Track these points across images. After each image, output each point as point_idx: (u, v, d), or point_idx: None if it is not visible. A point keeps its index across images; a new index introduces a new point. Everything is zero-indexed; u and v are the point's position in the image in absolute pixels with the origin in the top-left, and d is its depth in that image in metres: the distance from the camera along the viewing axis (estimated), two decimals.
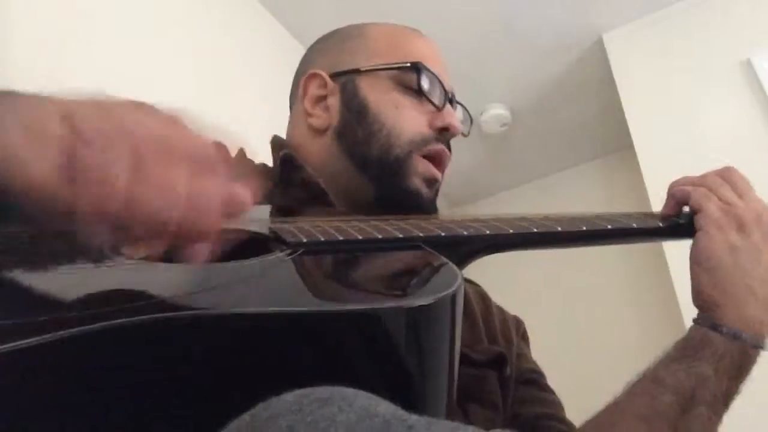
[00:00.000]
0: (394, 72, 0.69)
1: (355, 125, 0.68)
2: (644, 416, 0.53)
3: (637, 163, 1.88)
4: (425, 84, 0.68)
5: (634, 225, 0.58)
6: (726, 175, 0.62)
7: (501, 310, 0.75)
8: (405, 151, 0.66)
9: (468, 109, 0.77)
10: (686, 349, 0.56)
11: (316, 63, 0.75)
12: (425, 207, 0.67)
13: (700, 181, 0.62)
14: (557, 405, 0.70)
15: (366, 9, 1.74)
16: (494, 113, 2.41)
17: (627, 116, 1.98)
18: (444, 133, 0.69)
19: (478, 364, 0.62)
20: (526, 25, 2.06)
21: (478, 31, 2.08)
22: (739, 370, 0.55)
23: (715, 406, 0.53)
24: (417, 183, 0.66)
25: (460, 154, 2.72)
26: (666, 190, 0.66)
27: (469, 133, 0.76)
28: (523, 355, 0.72)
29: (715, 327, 0.55)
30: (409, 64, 0.68)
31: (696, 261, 0.59)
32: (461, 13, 2.00)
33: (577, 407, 0.64)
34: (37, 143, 0.31)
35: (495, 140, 2.58)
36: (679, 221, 0.62)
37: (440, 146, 0.68)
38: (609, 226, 0.57)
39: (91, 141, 0.31)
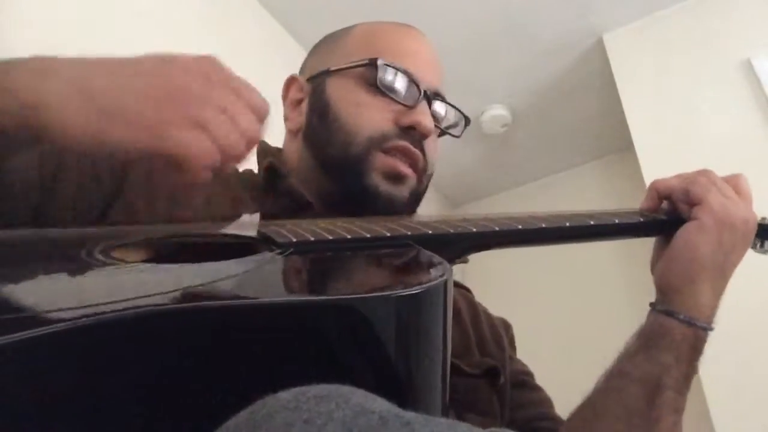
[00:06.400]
0: (360, 70, 0.65)
1: (318, 126, 0.67)
2: (619, 415, 0.57)
3: (637, 163, 1.87)
4: (386, 80, 0.64)
5: (617, 221, 0.60)
6: (723, 177, 0.63)
7: (488, 315, 0.75)
8: (363, 149, 0.63)
9: (468, 110, 0.75)
10: (647, 340, 0.59)
11: (306, 67, 0.75)
12: (387, 203, 0.63)
13: (697, 175, 0.62)
14: (547, 402, 0.70)
15: (363, 8, 1.74)
16: (494, 114, 2.41)
17: (627, 116, 1.98)
18: (411, 132, 0.64)
19: (470, 376, 0.62)
20: (526, 25, 2.06)
21: (478, 32, 2.08)
22: (695, 352, 0.59)
23: (679, 388, 0.57)
24: (375, 179, 0.63)
25: (461, 154, 2.73)
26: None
27: (461, 134, 0.73)
28: (513, 358, 0.73)
29: (671, 314, 0.59)
30: (367, 61, 0.65)
31: (677, 248, 0.60)
32: (461, 13, 2.00)
33: (571, 400, 0.64)
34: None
35: (495, 141, 2.58)
36: (662, 218, 0.63)
37: (403, 143, 0.64)
38: (592, 222, 0.58)
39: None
